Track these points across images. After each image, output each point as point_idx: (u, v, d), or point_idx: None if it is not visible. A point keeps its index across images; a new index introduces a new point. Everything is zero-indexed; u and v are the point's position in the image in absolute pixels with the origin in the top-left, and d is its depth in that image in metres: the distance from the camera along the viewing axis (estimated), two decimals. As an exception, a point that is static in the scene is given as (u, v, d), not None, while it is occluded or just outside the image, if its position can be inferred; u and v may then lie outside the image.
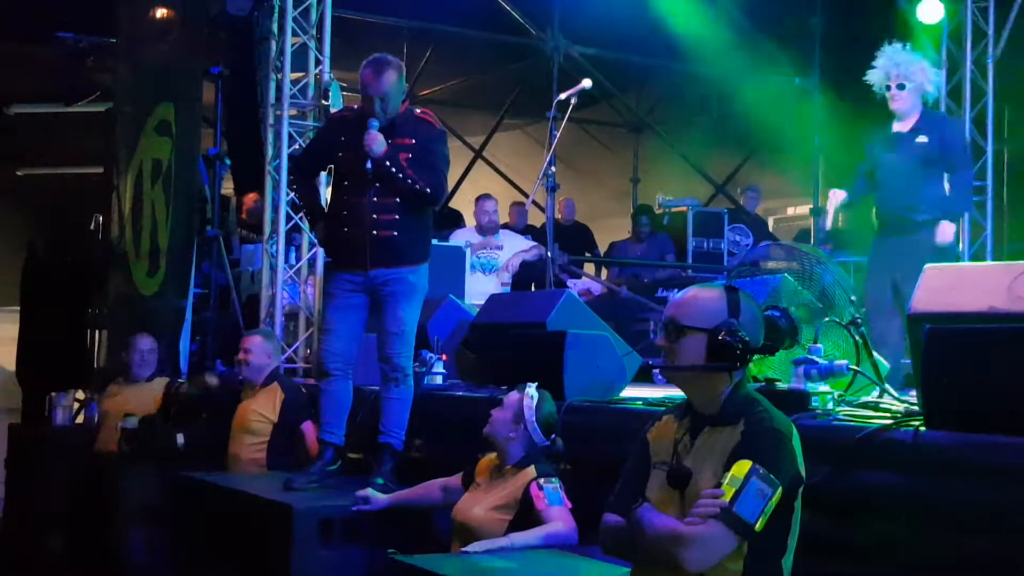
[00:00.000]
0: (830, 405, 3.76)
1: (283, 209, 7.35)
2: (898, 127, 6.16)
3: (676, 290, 8.38)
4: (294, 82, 7.48)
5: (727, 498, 2.65)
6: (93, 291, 9.38)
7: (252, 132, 7.99)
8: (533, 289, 8.55)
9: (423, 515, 4.59)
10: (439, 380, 5.95)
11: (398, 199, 5.00)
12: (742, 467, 2.68)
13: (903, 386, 4.74)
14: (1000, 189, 8.78)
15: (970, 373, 3.19)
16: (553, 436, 4.19)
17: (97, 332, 9.37)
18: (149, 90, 8.39)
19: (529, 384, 4.26)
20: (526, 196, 10.49)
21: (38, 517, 7.39)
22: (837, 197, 6.22)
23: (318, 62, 7.57)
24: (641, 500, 2.81)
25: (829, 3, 10.86)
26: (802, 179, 12.18)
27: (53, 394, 8.21)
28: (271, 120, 7.47)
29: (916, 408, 3.56)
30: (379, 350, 5.12)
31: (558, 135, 6.42)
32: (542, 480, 3.95)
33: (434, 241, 5.44)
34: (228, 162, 8.63)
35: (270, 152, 7.45)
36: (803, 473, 2.79)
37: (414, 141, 5.04)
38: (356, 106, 5.21)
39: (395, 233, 5.01)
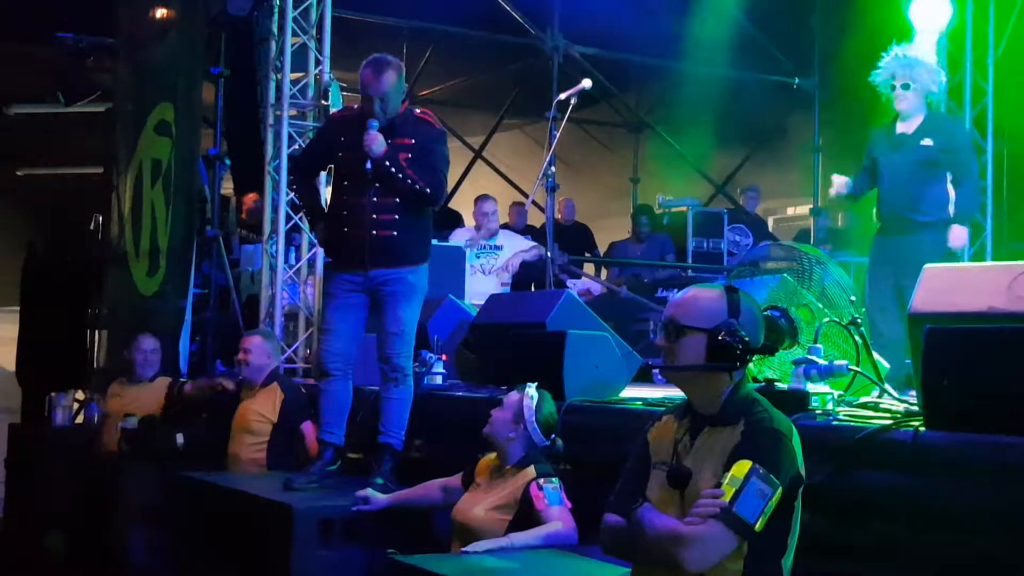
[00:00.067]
0: (830, 405, 3.76)
1: (283, 209, 7.35)
2: (902, 127, 6.16)
3: (676, 290, 8.38)
4: (294, 82, 7.48)
5: (727, 498, 2.65)
6: (93, 291, 9.38)
7: (252, 132, 7.99)
8: (533, 289, 8.55)
9: (423, 515, 4.59)
10: (439, 380, 5.95)
11: (398, 199, 5.00)
12: (742, 467, 2.68)
13: (903, 386, 4.74)
14: (1000, 189, 8.76)
15: (970, 373, 3.19)
16: (553, 436, 4.20)
17: (97, 332, 9.37)
18: (149, 90, 8.38)
19: (529, 384, 4.26)
20: (526, 196, 10.49)
21: (38, 517, 7.39)
22: (840, 181, 6.23)
23: (318, 62, 7.57)
24: (641, 500, 2.81)
25: (829, 3, 10.86)
26: (802, 179, 12.18)
27: (53, 394, 8.21)
28: (271, 120, 7.47)
29: (916, 408, 3.56)
30: (379, 350, 5.12)
31: (558, 135, 6.42)
32: (542, 480, 3.96)
33: (434, 241, 5.44)
34: (228, 162, 8.63)
35: (270, 152, 7.45)
36: (803, 473, 2.79)
37: (414, 141, 5.04)
38: (356, 106, 5.21)
39: (395, 233, 5.01)
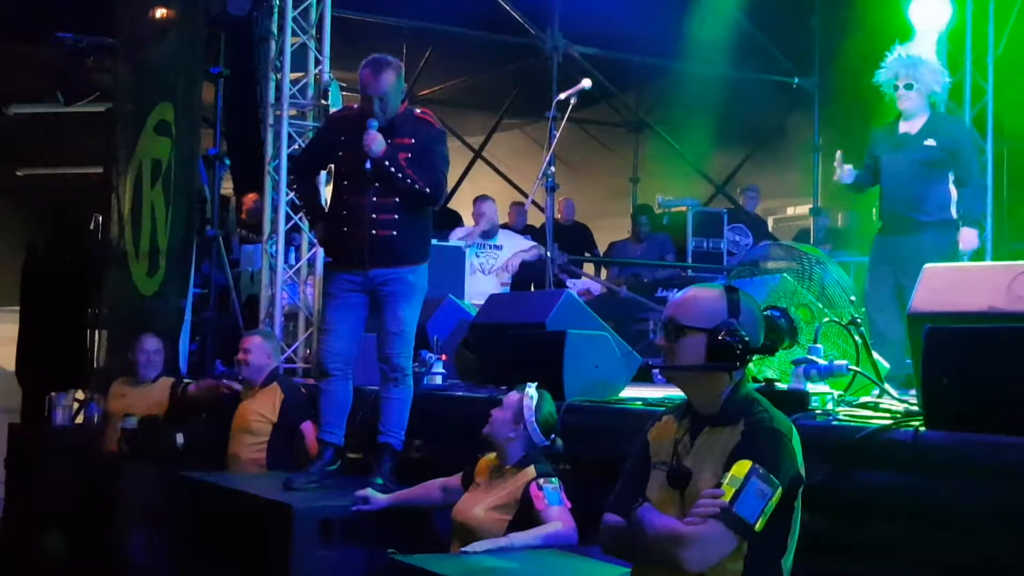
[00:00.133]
0: (830, 405, 3.76)
1: (283, 209, 7.35)
2: (905, 127, 6.16)
3: (676, 290, 8.39)
4: (294, 82, 7.47)
5: (727, 498, 2.65)
6: (93, 291, 9.37)
7: (252, 132, 7.99)
8: (533, 289, 8.55)
9: (423, 515, 4.59)
10: (439, 380, 5.95)
11: (397, 199, 4.99)
12: (742, 467, 2.68)
13: (903, 386, 4.74)
14: (1000, 189, 8.77)
15: (970, 373, 3.19)
16: (553, 436, 4.19)
17: (97, 332, 9.36)
18: (149, 90, 8.38)
19: (529, 384, 4.26)
20: (525, 196, 10.50)
21: (38, 517, 7.39)
22: (845, 168, 6.20)
23: (317, 62, 7.57)
24: (641, 500, 2.81)
25: (829, 3, 10.86)
26: (802, 179, 12.19)
27: (53, 394, 8.21)
28: (271, 120, 7.46)
29: (916, 408, 3.56)
30: (379, 350, 5.12)
31: (558, 135, 6.42)
32: (542, 480, 3.95)
33: (434, 241, 5.44)
34: (228, 162, 8.63)
35: (269, 152, 7.45)
36: (803, 473, 2.79)
37: (413, 141, 5.04)
38: (356, 106, 5.21)
39: (394, 233, 5.01)
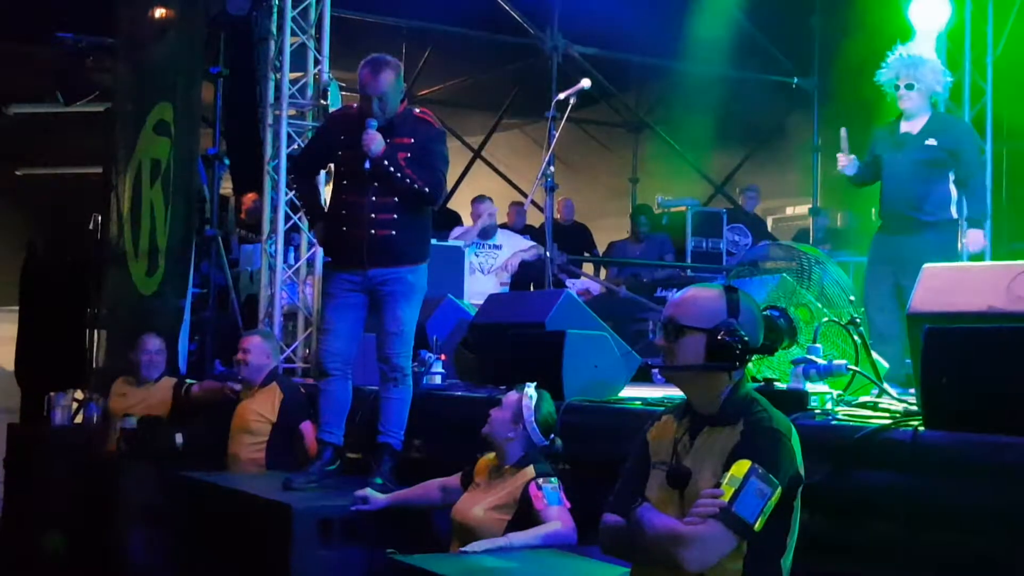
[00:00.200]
0: (829, 405, 3.76)
1: (282, 209, 7.34)
2: (906, 127, 6.16)
3: (675, 290, 8.39)
4: (293, 82, 7.47)
5: (726, 498, 2.65)
6: (92, 291, 9.37)
7: (251, 132, 7.99)
8: (532, 289, 8.55)
9: (422, 515, 4.59)
10: (438, 380, 5.95)
11: (397, 199, 4.99)
12: (741, 467, 2.68)
13: (903, 386, 4.74)
14: (999, 189, 8.78)
15: (969, 373, 3.19)
16: (552, 436, 4.19)
17: (96, 332, 9.35)
18: (148, 90, 8.38)
19: (528, 384, 4.26)
20: (525, 196, 10.50)
21: (37, 517, 7.38)
22: (848, 158, 6.18)
23: (317, 62, 7.56)
24: (641, 500, 2.81)
25: (829, 3, 10.86)
26: (801, 179, 12.18)
27: (52, 394, 8.20)
28: (270, 120, 7.46)
29: (915, 408, 3.56)
30: (378, 350, 5.12)
31: (557, 135, 6.41)
32: (541, 480, 3.95)
33: (433, 241, 5.44)
34: (227, 162, 8.63)
35: (269, 152, 7.45)
36: (802, 473, 2.79)
37: (413, 141, 5.04)
38: (355, 105, 5.21)
39: (393, 233, 5.00)
